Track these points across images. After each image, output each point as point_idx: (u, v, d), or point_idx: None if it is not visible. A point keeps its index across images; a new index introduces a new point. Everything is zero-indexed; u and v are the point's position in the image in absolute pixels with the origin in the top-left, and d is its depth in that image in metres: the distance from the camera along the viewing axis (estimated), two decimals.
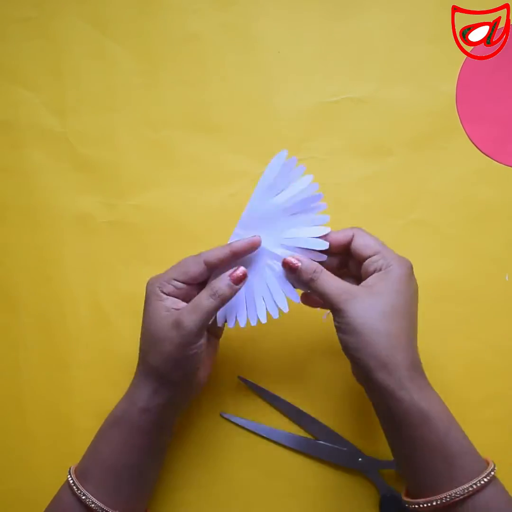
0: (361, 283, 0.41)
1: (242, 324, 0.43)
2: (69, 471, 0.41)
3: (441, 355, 0.48)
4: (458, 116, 0.51)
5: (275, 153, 0.52)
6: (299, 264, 0.41)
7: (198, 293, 0.41)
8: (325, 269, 0.41)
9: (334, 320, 0.40)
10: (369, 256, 0.41)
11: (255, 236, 0.42)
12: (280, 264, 0.42)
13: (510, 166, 0.50)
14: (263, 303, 0.43)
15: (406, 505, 0.39)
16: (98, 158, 0.53)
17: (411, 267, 0.41)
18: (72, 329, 0.51)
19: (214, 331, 0.45)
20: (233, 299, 0.41)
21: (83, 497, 0.39)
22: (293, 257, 0.42)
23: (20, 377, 0.50)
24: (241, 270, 0.41)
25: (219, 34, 0.53)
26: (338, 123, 0.52)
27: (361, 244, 0.41)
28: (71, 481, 0.40)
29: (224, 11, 0.53)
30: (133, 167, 0.52)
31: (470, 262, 0.49)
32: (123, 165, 0.52)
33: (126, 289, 0.51)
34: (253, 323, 0.43)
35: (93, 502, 0.39)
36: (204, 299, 0.40)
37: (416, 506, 0.37)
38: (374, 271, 0.40)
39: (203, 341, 0.40)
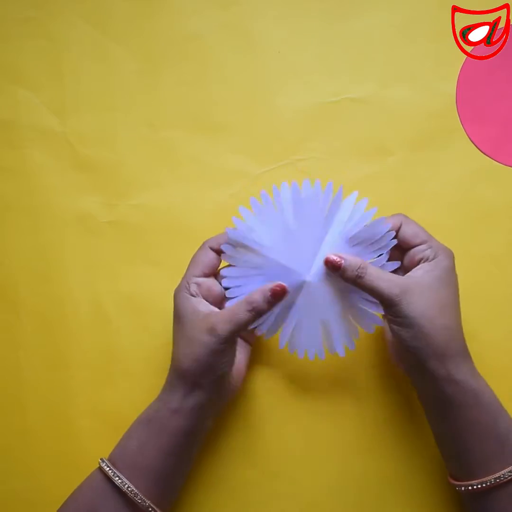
0: (409, 274, 0.41)
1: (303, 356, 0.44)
2: (103, 459, 0.41)
3: None
4: (458, 116, 0.51)
5: (275, 153, 0.52)
6: (343, 261, 0.40)
7: (217, 285, 0.43)
8: (370, 264, 0.40)
9: (387, 313, 0.40)
10: (417, 245, 0.41)
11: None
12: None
13: (510, 166, 0.50)
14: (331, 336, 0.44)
15: (456, 488, 0.40)
16: (98, 158, 0.53)
17: (454, 258, 0.42)
18: (72, 329, 0.51)
19: (246, 337, 0.47)
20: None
21: (119, 480, 0.39)
22: (335, 255, 0.41)
23: (20, 377, 0.50)
24: (280, 285, 0.40)
25: (219, 34, 0.53)
26: (338, 123, 0.52)
27: (410, 233, 0.42)
28: (106, 467, 0.40)
29: (224, 11, 0.53)
30: (133, 167, 0.52)
31: (470, 262, 0.49)
32: (123, 165, 0.52)
33: (126, 289, 0.51)
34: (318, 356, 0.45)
35: (128, 485, 0.39)
36: (241, 311, 0.40)
37: (469, 487, 0.38)
38: (420, 261, 0.41)
39: (234, 348, 0.42)
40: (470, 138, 0.51)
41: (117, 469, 0.40)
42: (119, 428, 0.43)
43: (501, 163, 0.50)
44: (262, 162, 0.52)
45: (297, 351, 0.44)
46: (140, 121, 0.53)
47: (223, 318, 0.40)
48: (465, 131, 0.51)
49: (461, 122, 0.51)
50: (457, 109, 0.51)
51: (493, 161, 0.50)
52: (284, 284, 0.41)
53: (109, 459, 0.42)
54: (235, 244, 0.42)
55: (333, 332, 0.43)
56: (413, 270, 0.41)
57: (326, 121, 0.52)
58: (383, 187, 0.51)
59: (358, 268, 0.40)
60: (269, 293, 0.40)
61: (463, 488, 0.39)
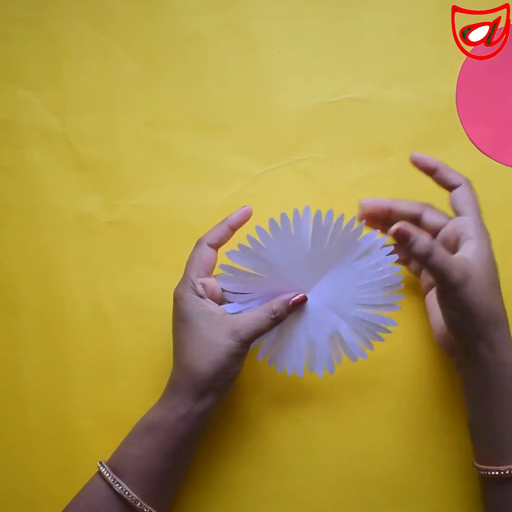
0: (462, 255, 0.39)
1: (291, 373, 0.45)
2: (102, 463, 0.41)
3: (442, 354, 0.48)
4: (458, 116, 0.51)
5: (275, 153, 0.52)
6: (413, 236, 0.37)
7: (218, 286, 0.43)
8: (437, 244, 0.38)
9: (445, 296, 0.39)
10: (461, 212, 0.41)
11: (246, 206, 0.43)
12: (344, 326, 0.43)
13: (510, 166, 0.50)
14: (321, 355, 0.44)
15: (484, 473, 0.40)
16: (98, 158, 0.53)
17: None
18: (72, 329, 0.51)
19: None
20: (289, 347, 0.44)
21: (119, 487, 0.39)
22: (407, 224, 0.37)
23: (21, 377, 0.50)
24: (301, 296, 0.42)
25: (219, 34, 0.53)
26: (338, 123, 0.52)
27: (463, 198, 0.41)
28: (106, 473, 0.40)
29: (224, 11, 0.53)
30: (133, 167, 0.52)
31: None
32: (123, 165, 0.52)
33: (126, 289, 0.51)
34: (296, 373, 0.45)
35: (128, 492, 0.39)
36: (264, 317, 0.41)
37: (496, 473, 0.38)
38: (461, 235, 0.40)
39: (247, 351, 0.42)
40: (470, 138, 0.51)
41: (118, 475, 0.40)
42: (119, 428, 0.43)
43: (501, 163, 0.50)
44: (262, 162, 0.52)
45: (277, 365, 0.45)
46: (140, 121, 0.53)
47: (246, 323, 0.40)
48: (465, 131, 0.51)
49: (461, 122, 0.51)
50: (457, 109, 0.51)
51: (493, 161, 0.50)
52: (305, 294, 0.42)
53: (109, 464, 0.41)
54: (243, 260, 0.42)
55: (317, 352, 0.44)
56: (462, 250, 0.40)
57: (326, 121, 0.52)
58: (383, 187, 0.51)
59: (429, 244, 0.37)
60: (290, 303, 0.41)
61: (489, 473, 0.39)
